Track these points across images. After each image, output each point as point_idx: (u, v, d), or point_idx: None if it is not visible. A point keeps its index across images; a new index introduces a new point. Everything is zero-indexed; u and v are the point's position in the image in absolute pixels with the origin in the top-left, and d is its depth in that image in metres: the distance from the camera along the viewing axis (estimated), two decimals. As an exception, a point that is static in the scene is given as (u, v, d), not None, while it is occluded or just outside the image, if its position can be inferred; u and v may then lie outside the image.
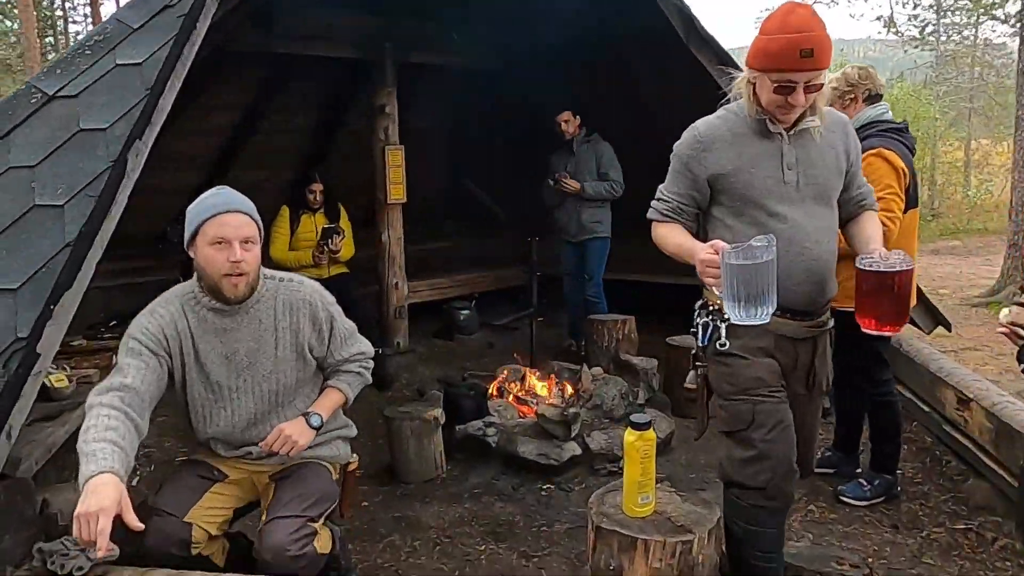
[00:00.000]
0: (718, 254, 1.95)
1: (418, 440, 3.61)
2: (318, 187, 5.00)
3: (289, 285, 2.27)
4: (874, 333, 2.10)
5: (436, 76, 6.48)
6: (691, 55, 4.86)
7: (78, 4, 21.16)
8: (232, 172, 6.11)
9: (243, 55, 4.95)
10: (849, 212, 2.32)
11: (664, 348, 4.68)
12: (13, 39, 16.75)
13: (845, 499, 3.31)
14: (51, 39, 19.12)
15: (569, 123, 5.31)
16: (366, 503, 3.46)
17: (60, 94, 2.62)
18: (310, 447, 2.28)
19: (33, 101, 2.62)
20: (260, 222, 2.20)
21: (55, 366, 3.32)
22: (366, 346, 2.45)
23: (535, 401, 4.11)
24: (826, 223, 2.20)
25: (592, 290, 5.40)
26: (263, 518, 2.19)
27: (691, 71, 5.02)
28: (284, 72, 5.80)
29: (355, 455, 2.58)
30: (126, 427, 1.89)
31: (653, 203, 2.29)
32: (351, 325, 2.41)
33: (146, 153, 2.58)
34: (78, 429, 3.18)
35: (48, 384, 3.10)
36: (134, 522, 1.75)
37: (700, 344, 2.26)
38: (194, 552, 2.10)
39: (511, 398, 4.18)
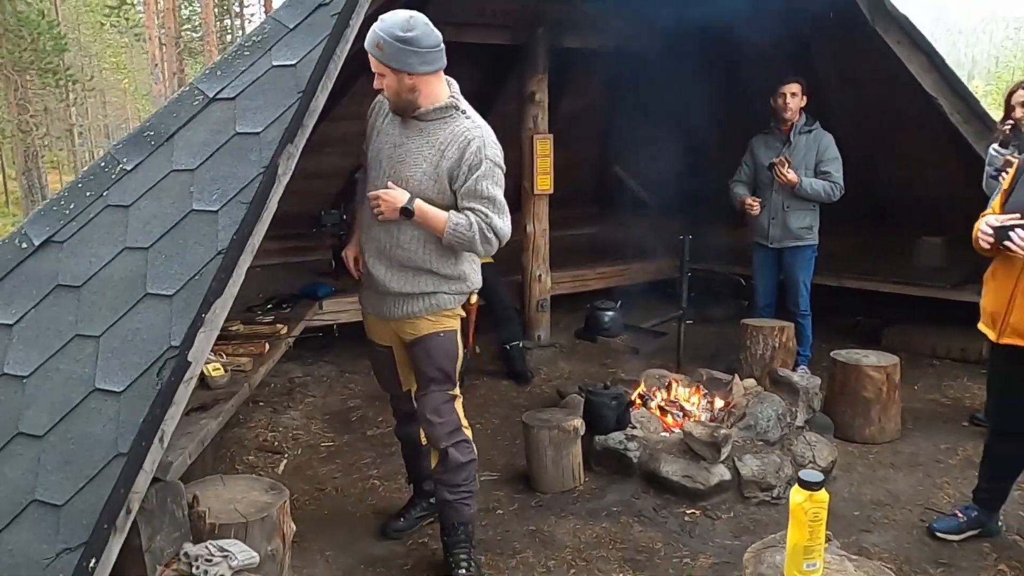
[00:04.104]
0: None
1: (556, 450, 3.47)
2: None
3: (465, 121, 2.60)
4: None
5: (587, 59, 6.22)
6: (876, 35, 4.36)
7: (252, -12, 22.55)
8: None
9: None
10: None
11: (826, 361, 4.27)
12: (196, 22, 18.08)
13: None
14: (227, 22, 20.52)
15: (795, 98, 4.50)
16: (500, 511, 3.38)
17: (219, 96, 2.65)
18: (417, 295, 2.68)
19: (195, 103, 2.67)
20: (382, 56, 2.49)
21: (212, 354, 3.46)
22: (497, 218, 2.59)
23: (681, 414, 3.86)
24: None
25: (800, 307, 4.71)
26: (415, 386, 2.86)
27: (875, 52, 4.52)
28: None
29: (476, 295, 2.87)
30: None
31: None
32: (498, 197, 2.59)
33: (297, 155, 2.55)
34: (231, 421, 3.34)
35: (205, 373, 3.22)
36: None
37: None
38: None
39: (655, 408, 3.95)
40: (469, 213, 2.57)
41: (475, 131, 2.57)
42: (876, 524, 3.23)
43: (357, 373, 5.16)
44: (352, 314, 5.06)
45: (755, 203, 4.60)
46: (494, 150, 2.60)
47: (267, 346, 3.80)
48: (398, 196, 2.57)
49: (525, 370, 5.02)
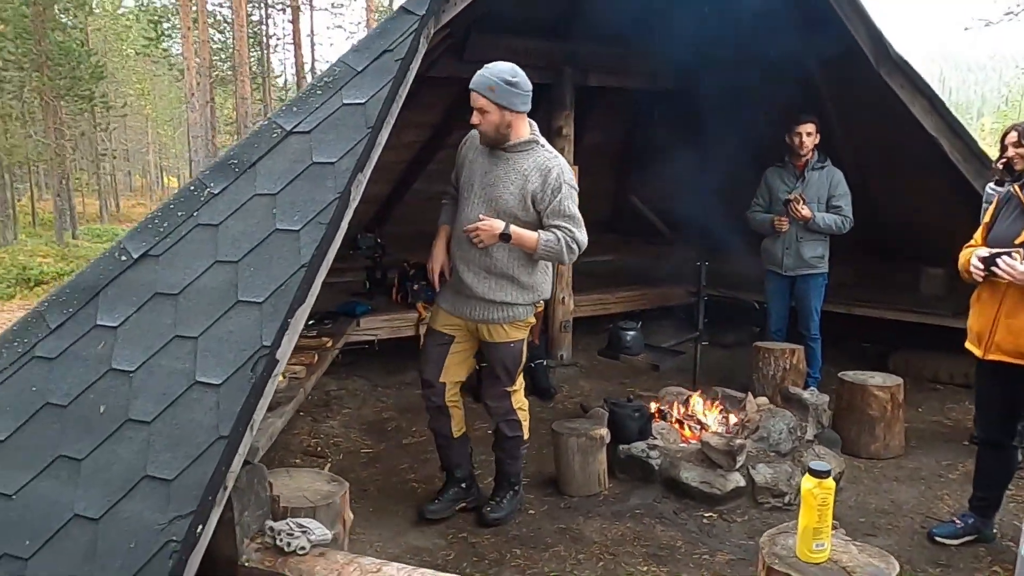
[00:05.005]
0: None
1: (583, 456, 3.76)
2: None
3: (544, 152, 3.13)
4: None
5: (609, 95, 6.61)
6: (881, 80, 4.70)
7: (280, 21, 23.27)
8: (417, 184, 6.57)
9: (436, 79, 5.33)
10: None
11: (835, 382, 4.55)
12: (225, 55, 18.70)
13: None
14: (257, 53, 21.18)
15: (810, 137, 4.81)
16: (532, 511, 3.66)
17: (296, 130, 3.00)
18: (499, 303, 3.20)
19: (274, 136, 3.02)
20: (493, 96, 3.04)
21: (271, 362, 3.78)
22: (578, 232, 3.09)
23: (699, 427, 4.14)
24: None
25: (811, 332, 5.02)
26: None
27: (881, 96, 4.85)
28: (469, 96, 6.14)
29: (541, 301, 3.35)
30: None
31: None
32: (576, 214, 3.10)
33: (364, 183, 2.90)
34: (291, 420, 3.66)
35: (267, 378, 3.54)
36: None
37: None
38: (449, 400, 3.38)
39: (674, 421, 4.23)
40: (555, 230, 3.05)
41: (553, 160, 3.11)
42: (880, 529, 3.50)
43: (389, 388, 5.48)
44: (387, 331, 5.40)
45: (783, 220, 4.88)
46: (569, 175, 3.12)
47: (316, 357, 4.12)
48: (495, 224, 3.09)
49: (549, 387, 5.31)
